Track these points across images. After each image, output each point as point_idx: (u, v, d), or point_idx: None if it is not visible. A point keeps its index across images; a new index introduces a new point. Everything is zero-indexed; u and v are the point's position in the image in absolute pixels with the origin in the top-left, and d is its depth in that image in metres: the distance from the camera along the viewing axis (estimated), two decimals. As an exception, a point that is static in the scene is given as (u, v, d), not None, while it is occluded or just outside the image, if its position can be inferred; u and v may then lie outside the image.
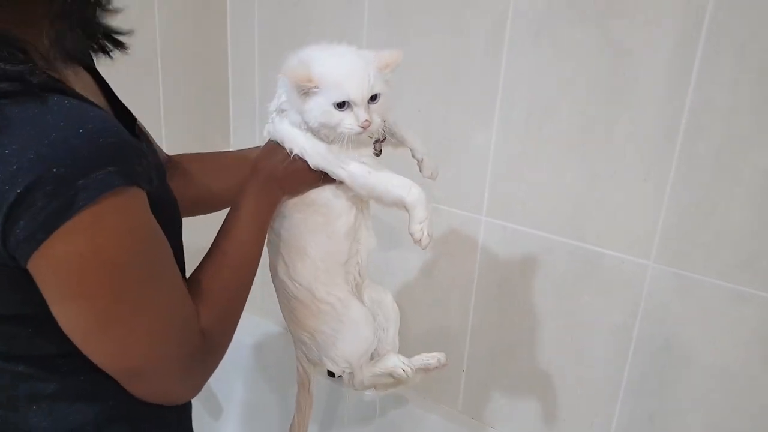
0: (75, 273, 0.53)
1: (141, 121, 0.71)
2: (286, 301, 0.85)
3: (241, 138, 1.58)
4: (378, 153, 0.81)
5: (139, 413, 0.67)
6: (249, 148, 0.92)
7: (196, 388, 0.68)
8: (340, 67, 0.73)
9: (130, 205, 0.54)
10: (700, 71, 0.96)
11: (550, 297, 1.21)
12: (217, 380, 0.74)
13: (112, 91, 0.70)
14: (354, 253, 0.84)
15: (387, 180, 0.76)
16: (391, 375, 0.88)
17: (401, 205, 0.76)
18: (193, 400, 0.74)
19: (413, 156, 0.86)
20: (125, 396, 0.63)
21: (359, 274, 0.87)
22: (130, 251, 0.55)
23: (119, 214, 0.53)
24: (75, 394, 0.63)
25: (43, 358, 0.62)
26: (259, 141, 0.85)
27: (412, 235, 0.76)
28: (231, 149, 1.20)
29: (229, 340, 0.72)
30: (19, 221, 0.49)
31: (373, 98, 0.74)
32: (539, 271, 1.21)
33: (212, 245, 0.74)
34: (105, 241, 0.53)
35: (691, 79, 0.97)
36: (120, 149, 0.53)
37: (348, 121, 0.72)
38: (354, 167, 0.76)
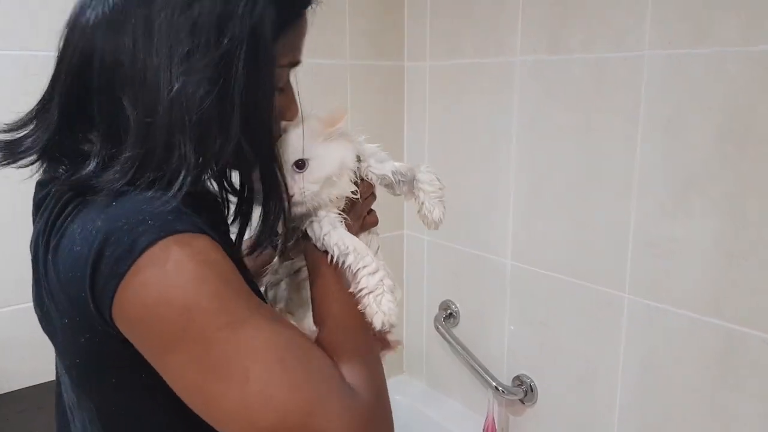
0: (155, 320, 0.51)
1: None
2: None
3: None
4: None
5: None
6: None
7: None
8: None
9: (193, 247, 0.52)
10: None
11: (695, 376, 1.25)
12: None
13: None
14: None
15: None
16: None
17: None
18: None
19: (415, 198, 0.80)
20: None
21: None
22: (201, 292, 0.51)
23: (182, 256, 0.51)
24: None
25: None
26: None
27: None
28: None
29: (380, 387, 0.63)
30: (99, 277, 0.51)
31: (301, 166, 0.68)
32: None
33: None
34: (173, 283, 0.50)
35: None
36: (179, 212, 0.53)
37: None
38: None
